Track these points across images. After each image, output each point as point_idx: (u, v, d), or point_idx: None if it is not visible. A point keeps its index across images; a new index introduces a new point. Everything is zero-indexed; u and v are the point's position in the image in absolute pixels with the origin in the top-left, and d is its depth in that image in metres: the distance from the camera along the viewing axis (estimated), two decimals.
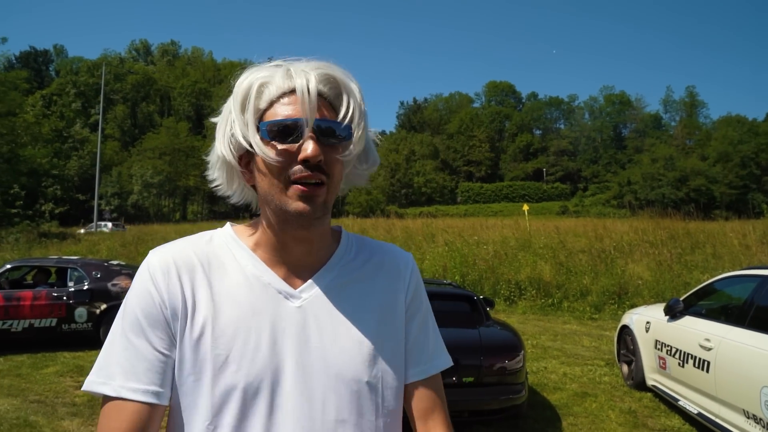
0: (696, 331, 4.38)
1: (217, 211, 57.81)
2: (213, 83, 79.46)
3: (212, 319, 0.81)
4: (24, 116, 29.09)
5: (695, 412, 4.26)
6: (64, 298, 6.98)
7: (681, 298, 5.00)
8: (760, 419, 3.39)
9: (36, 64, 79.90)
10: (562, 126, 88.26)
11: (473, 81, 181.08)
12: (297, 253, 0.88)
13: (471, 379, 4.02)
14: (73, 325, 6.98)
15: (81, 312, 6.99)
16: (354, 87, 0.85)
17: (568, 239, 14.12)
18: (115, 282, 7.21)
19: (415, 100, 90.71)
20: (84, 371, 6.00)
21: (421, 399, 0.93)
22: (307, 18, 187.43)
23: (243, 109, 0.83)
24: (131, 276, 7.36)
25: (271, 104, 0.82)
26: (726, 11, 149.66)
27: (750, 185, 55.85)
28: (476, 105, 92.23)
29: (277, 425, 0.80)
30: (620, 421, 4.61)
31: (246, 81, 0.83)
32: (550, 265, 11.54)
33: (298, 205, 0.80)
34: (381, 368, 0.87)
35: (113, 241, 20.98)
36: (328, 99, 0.84)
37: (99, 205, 34.09)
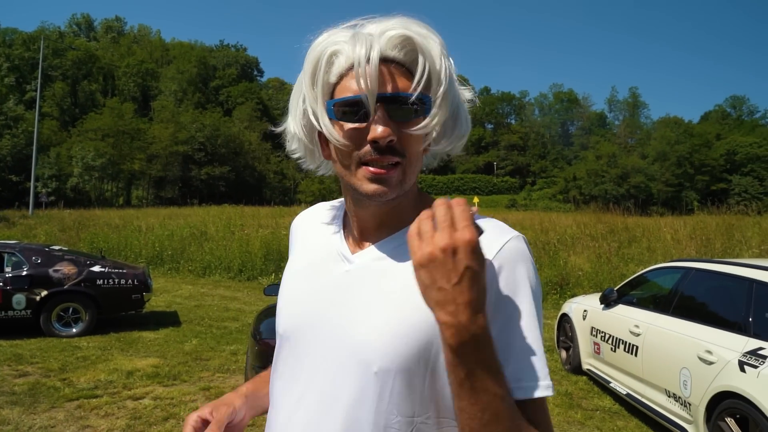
0: (627, 318, 4.72)
1: (164, 196, 55.96)
2: (161, 63, 76.41)
3: (290, 269, 0.93)
4: None
5: (624, 393, 4.60)
6: (1, 284, 6.67)
7: (615, 288, 5.36)
8: (679, 397, 3.72)
9: None
10: (513, 121, 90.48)
11: None
12: (370, 225, 0.83)
13: None
14: (10, 313, 6.67)
15: (19, 299, 6.70)
16: (433, 45, 0.73)
17: None
18: (57, 268, 6.94)
19: None
20: (23, 359, 5.78)
21: None
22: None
23: (313, 83, 0.76)
24: (74, 262, 7.11)
25: (341, 78, 0.74)
26: (672, 19, 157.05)
27: (684, 183, 59.21)
28: None
29: (291, 377, 0.82)
30: (557, 402, 4.91)
31: (316, 50, 0.75)
32: None
33: (370, 187, 0.75)
34: (400, 361, 0.71)
35: (51, 226, 20.00)
36: (405, 65, 0.74)
37: (35, 187, 32.29)
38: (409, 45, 0.73)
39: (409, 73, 0.74)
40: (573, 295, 9.24)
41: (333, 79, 0.75)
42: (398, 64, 0.74)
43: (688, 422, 3.63)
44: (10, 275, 6.75)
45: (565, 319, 6.15)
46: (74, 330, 6.92)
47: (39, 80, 33.93)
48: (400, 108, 0.73)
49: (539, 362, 0.70)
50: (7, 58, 64.28)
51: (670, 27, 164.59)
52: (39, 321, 6.80)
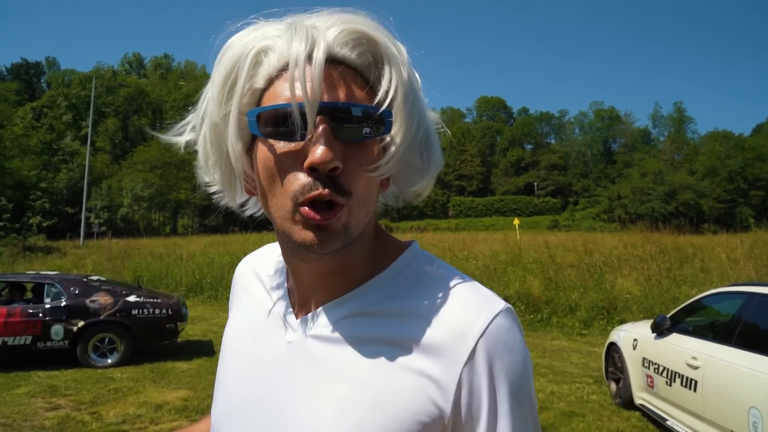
0: (683, 349, 4.30)
1: (208, 224, 57.48)
2: None
3: (225, 338, 0.75)
4: (12, 128, 28.92)
5: None
6: (40, 314, 6.78)
7: (668, 315, 4.93)
8: None
9: (27, 76, 79.71)
10: (552, 141, 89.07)
11: (465, 96, 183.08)
12: (312, 281, 0.64)
13: None
14: (48, 343, 6.77)
15: (57, 329, 6.79)
16: (399, 49, 0.57)
17: (557, 253, 14.07)
18: (93, 298, 7.02)
19: None
20: (57, 391, 5.80)
21: None
22: None
23: (229, 90, 0.56)
24: (111, 292, 7.18)
25: (270, 82, 0.55)
26: (715, 30, 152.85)
27: (737, 199, 56.36)
28: (468, 120, 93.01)
29: None
30: None
31: (238, 46, 0.55)
32: (539, 279, 11.46)
33: (306, 236, 0.55)
34: None
35: (99, 256, 20.68)
36: (359, 70, 0.56)
37: (88, 218, 33.72)
38: (368, 45, 0.55)
39: (364, 81, 0.56)
40: (621, 321, 8.71)
41: (260, 83, 0.55)
42: (350, 68, 0.55)
43: None
44: (49, 306, 6.86)
45: (613, 348, 5.72)
46: (110, 360, 6.95)
47: (91, 116, 35.72)
48: (348, 125, 0.53)
49: None
50: (66, 98, 68.35)
51: (713, 40, 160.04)
52: (76, 351, 6.87)
